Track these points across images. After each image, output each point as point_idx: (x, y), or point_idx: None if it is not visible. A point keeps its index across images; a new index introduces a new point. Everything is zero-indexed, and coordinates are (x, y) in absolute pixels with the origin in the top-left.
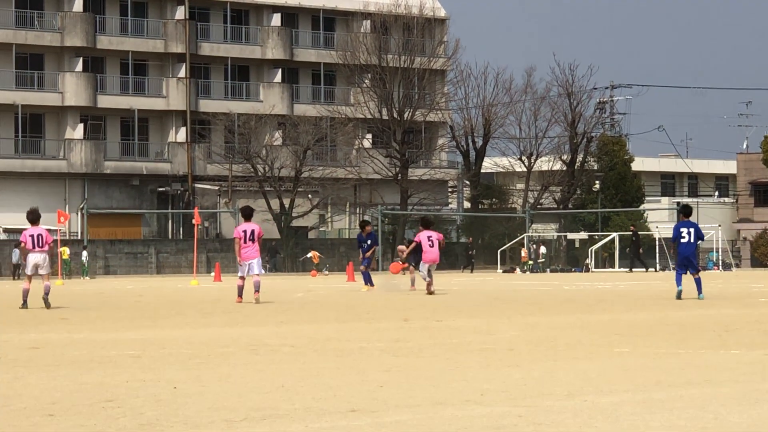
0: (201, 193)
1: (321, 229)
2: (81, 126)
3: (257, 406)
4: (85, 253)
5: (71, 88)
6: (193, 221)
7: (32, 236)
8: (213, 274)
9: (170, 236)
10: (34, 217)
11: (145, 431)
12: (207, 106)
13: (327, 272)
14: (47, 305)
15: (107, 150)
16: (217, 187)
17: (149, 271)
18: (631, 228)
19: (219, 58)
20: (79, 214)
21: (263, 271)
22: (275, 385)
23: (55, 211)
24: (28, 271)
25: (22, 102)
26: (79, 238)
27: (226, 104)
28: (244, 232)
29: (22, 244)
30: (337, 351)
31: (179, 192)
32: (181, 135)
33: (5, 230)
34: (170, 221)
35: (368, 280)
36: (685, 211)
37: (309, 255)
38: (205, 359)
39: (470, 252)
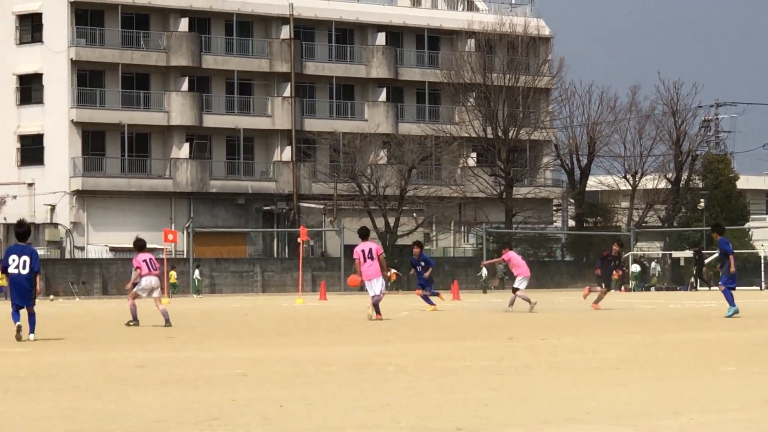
0: (306, 212)
1: (426, 247)
2: (187, 145)
3: (363, 424)
4: (197, 272)
5: (177, 108)
6: (299, 239)
7: (146, 261)
8: (318, 292)
9: (275, 255)
10: (141, 244)
11: None
12: (312, 125)
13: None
14: (168, 324)
15: (213, 169)
16: (322, 206)
17: (255, 289)
18: (694, 249)
19: (324, 77)
20: (185, 233)
21: (384, 290)
22: (381, 403)
23: (161, 230)
24: (144, 294)
25: (128, 122)
26: (185, 256)
27: (331, 123)
28: (362, 251)
29: (137, 270)
30: (441, 369)
31: (284, 211)
32: (286, 154)
33: (111, 249)
34: (275, 240)
35: (429, 301)
36: None
37: (388, 273)
38: (311, 378)
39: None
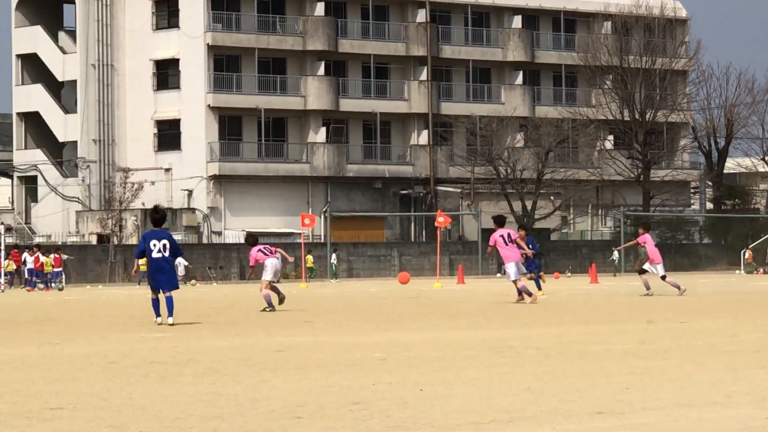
0: (443, 195)
1: (563, 230)
2: (323, 129)
3: (504, 408)
4: (334, 256)
5: (314, 92)
6: (436, 224)
7: (260, 250)
8: (456, 276)
9: (413, 239)
10: (253, 240)
11: None
12: (448, 108)
13: (570, 274)
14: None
15: (349, 153)
16: (459, 190)
17: (392, 273)
18: None
19: (460, 60)
20: (322, 217)
21: (521, 272)
22: (521, 387)
23: (298, 214)
24: (270, 277)
25: (264, 106)
26: (322, 241)
27: (467, 107)
28: (501, 236)
29: (252, 267)
30: (581, 353)
31: (421, 195)
32: (423, 138)
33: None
34: (413, 224)
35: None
36: None
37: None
38: (450, 362)
39: None
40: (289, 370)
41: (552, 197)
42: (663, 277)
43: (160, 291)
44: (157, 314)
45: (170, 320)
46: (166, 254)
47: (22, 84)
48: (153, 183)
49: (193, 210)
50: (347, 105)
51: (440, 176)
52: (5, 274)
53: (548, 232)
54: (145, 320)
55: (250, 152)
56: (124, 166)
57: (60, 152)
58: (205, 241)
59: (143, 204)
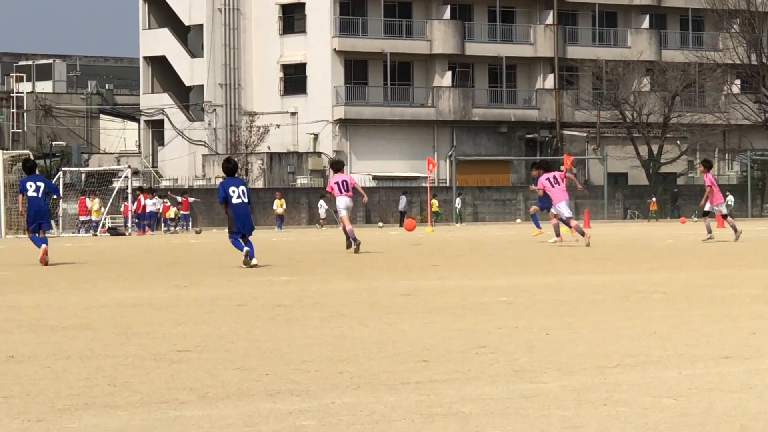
0: (569, 139)
1: (689, 175)
2: (449, 73)
3: (630, 352)
4: (458, 200)
5: (439, 36)
6: (562, 167)
7: (338, 183)
8: (582, 220)
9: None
10: (338, 167)
11: (519, 377)
12: (574, 52)
13: (696, 219)
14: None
15: (475, 97)
16: (584, 134)
17: (517, 217)
18: None
19: (586, 4)
20: (448, 161)
21: (568, 213)
22: (647, 331)
23: (424, 158)
24: (344, 212)
25: (390, 50)
26: (447, 185)
27: (593, 51)
28: (548, 179)
29: (329, 192)
30: (708, 298)
31: (547, 139)
32: (549, 82)
33: (374, 177)
34: None
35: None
36: None
37: None
38: (576, 306)
39: None
40: (415, 314)
41: (678, 141)
42: (725, 216)
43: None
44: (240, 248)
45: (254, 261)
46: (245, 199)
47: (149, 28)
48: (278, 127)
49: (319, 154)
50: (473, 49)
51: (566, 120)
52: (135, 217)
53: (674, 176)
54: (272, 264)
55: (376, 96)
56: (249, 110)
57: (186, 96)
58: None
59: (269, 148)
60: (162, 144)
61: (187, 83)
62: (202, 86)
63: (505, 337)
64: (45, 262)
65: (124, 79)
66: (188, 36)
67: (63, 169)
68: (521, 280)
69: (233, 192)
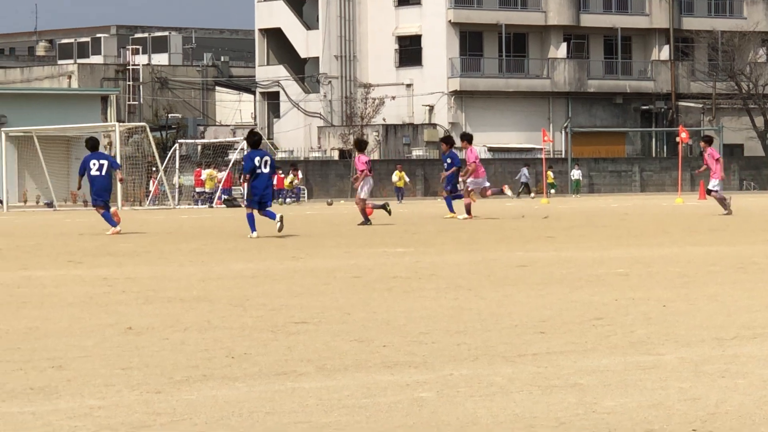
0: (684, 111)
1: None
2: (564, 45)
3: (747, 324)
4: (578, 172)
5: (554, 7)
6: (677, 139)
7: (366, 163)
8: (697, 192)
9: (654, 154)
10: (363, 146)
11: (636, 349)
12: (690, 23)
13: None
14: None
15: (590, 69)
16: (700, 105)
17: (633, 189)
18: None
19: None
20: (563, 132)
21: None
22: (765, 303)
23: (539, 129)
24: (364, 194)
25: (505, 22)
26: (562, 156)
27: (709, 22)
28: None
29: (362, 172)
30: None
31: (662, 110)
32: (664, 53)
33: (490, 149)
34: (653, 139)
35: (450, 207)
36: None
37: None
38: (693, 277)
39: None
40: (531, 285)
41: None
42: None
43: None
44: (253, 229)
45: (279, 223)
46: (267, 170)
47: (264, 0)
48: (394, 98)
49: (434, 125)
50: (588, 20)
51: (681, 92)
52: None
53: None
54: (388, 235)
55: (491, 68)
56: (365, 82)
57: (302, 68)
58: None
59: (384, 120)
60: (277, 116)
61: (302, 55)
62: (317, 58)
63: (621, 308)
64: (118, 232)
65: (240, 51)
66: (303, 8)
67: (179, 141)
68: (637, 252)
69: (258, 162)
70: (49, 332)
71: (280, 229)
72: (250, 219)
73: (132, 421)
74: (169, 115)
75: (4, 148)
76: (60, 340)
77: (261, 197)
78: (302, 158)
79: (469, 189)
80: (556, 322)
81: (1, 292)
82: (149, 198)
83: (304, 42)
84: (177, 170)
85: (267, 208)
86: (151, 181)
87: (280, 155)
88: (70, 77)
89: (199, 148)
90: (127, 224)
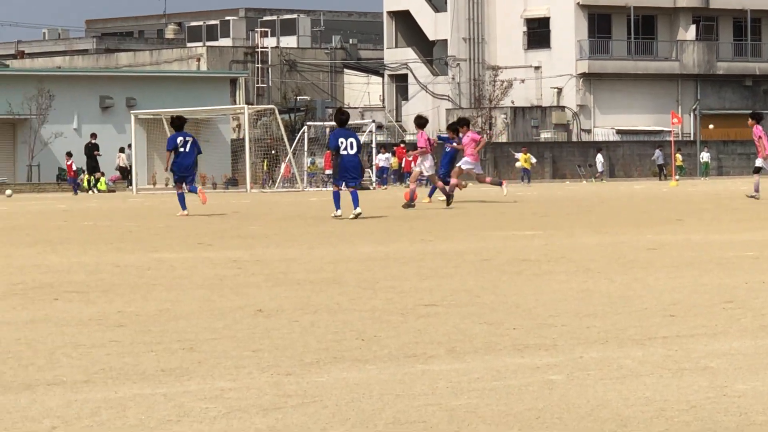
0: None
1: None
2: (693, 27)
3: None
4: (706, 155)
5: None
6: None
7: (428, 140)
8: None
9: None
10: (422, 122)
11: (767, 332)
12: None
13: None
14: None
15: (719, 51)
16: None
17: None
18: None
19: None
20: (692, 115)
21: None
22: None
23: (667, 112)
24: (426, 171)
25: (634, 4)
26: (691, 139)
27: None
28: None
29: (422, 148)
30: None
31: None
32: None
33: (618, 131)
34: None
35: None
36: None
37: None
38: None
39: None
40: (661, 268)
41: None
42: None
43: (343, 185)
44: (337, 207)
45: (358, 210)
46: (352, 151)
47: None
48: (522, 81)
49: (563, 108)
50: (717, 2)
51: None
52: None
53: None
54: (517, 217)
55: (619, 50)
56: (493, 64)
57: (430, 50)
58: (574, 139)
59: (512, 102)
60: (406, 98)
61: (430, 38)
62: (445, 41)
63: (752, 292)
64: (204, 200)
65: (368, 33)
66: None
67: (307, 123)
68: (767, 235)
69: (342, 143)
70: (179, 314)
71: (355, 216)
72: (335, 197)
73: (262, 403)
74: (298, 97)
75: (134, 130)
76: (190, 322)
77: (344, 177)
78: None
79: (463, 169)
80: (686, 306)
81: (131, 274)
82: (278, 180)
83: (433, 24)
84: (306, 152)
85: (350, 189)
86: (282, 165)
87: (408, 137)
88: (198, 60)
89: (327, 130)
90: (256, 206)
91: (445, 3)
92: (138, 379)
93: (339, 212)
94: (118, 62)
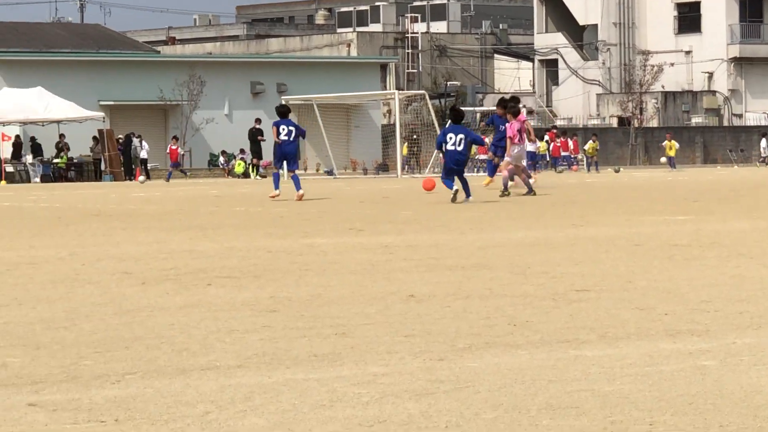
0: None
1: None
2: None
3: None
4: None
5: None
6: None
7: (519, 130)
8: None
9: None
10: (515, 111)
11: None
12: None
13: None
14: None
15: None
16: None
17: None
18: None
19: None
20: None
21: None
22: None
23: None
24: (512, 160)
25: None
26: None
27: None
28: None
29: (510, 139)
30: None
31: None
32: None
33: None
34: None
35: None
36: None
37: None
38: None
39: None
40: None
41: None
42: None
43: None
44: (450, 186)
45: (470, 198)
46: (460, 147)
47: None
48: (672, 65)
49: (713, 92)
50: None
51: None
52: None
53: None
54: (668, 202)
55: None
56: (643, 49)
57: (580, 35)
58: (725, 123)
59: (663, 87)
60: (556, 83)
61: (581, 22)
62: (596, 25)
63: None
64: (300, 197)
65: (518, 18)
66: None
67: None
68: None
69: (450, 138)
70: (331, 299)
71: (454, 200)
72: (447, 184)
73: (415, 388)
74: (448, 83)
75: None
76: (343, 307)
77: (449, 168)
78: (581, 126)
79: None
80: None
81: (283, 259)
82: (429, 165)
83: (583, 9)
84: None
85: (459, 177)
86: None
87: (559, 122)
88: (349, 45)
89: (478, 116)
90: (405, 192)
91: None
92: (291, 364)
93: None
94: (269, 48)
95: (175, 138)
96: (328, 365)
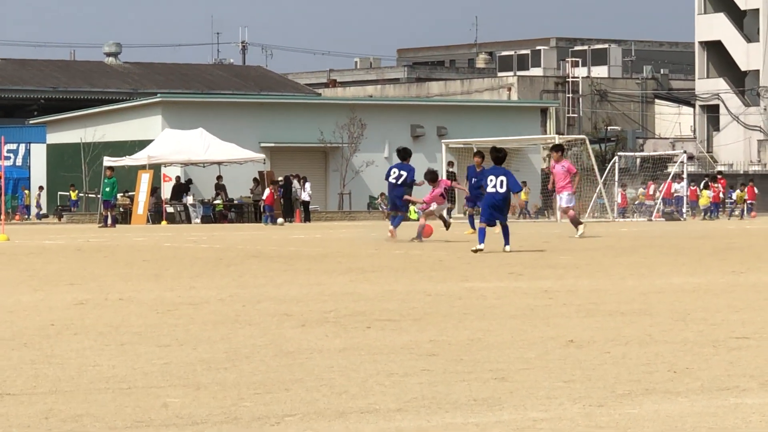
0: None
1: None
2: None
3: None
4: None
5: None
6: None
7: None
8: None
9: None
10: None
11: None
12: None
13: None
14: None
15: None
16: None
17: None
18: None
19: None
20: None
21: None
22: None
23: None
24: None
25: None
26: None
27: None
28: None
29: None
30: None
31: None
32: None
33: None
34: None
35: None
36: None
37: None
38: None
39: None
40: None
41: None
42: None
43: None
44: (481, 241)
45: (507, 248)
46: (502, 190)
47: (704, 13)
48: None
49: None
50: None
51: None
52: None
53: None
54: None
55: None
56: None
57: (742, 81)
58: None
59: None
60: (717, 129)
61: (742, 68)
62: (757, 71)
63: None
64: (392, 233)
65: (679, 63)
66: (744, 20)
67: (618, 153)
68: None
69: (491, 180)
70: (491, 344)
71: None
72: (481, 233)
73: None
74: (609, 127)
75: (444, 159)
76: (502, 351)
77: (492, 215)
78: (741, 172)
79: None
80: None
81: (443, 303)
82: (589, 209)
83: (745, 54)
84: (616, 183)
85: (503, 225)
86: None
87: (720, 168)
88: (509, 89)
89: (638, 161)
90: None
91: (758, 33)
92: (450, 408)
93: (481, 246)
94: (429, 91)
95: (274, 183)
96: (488, 410)
